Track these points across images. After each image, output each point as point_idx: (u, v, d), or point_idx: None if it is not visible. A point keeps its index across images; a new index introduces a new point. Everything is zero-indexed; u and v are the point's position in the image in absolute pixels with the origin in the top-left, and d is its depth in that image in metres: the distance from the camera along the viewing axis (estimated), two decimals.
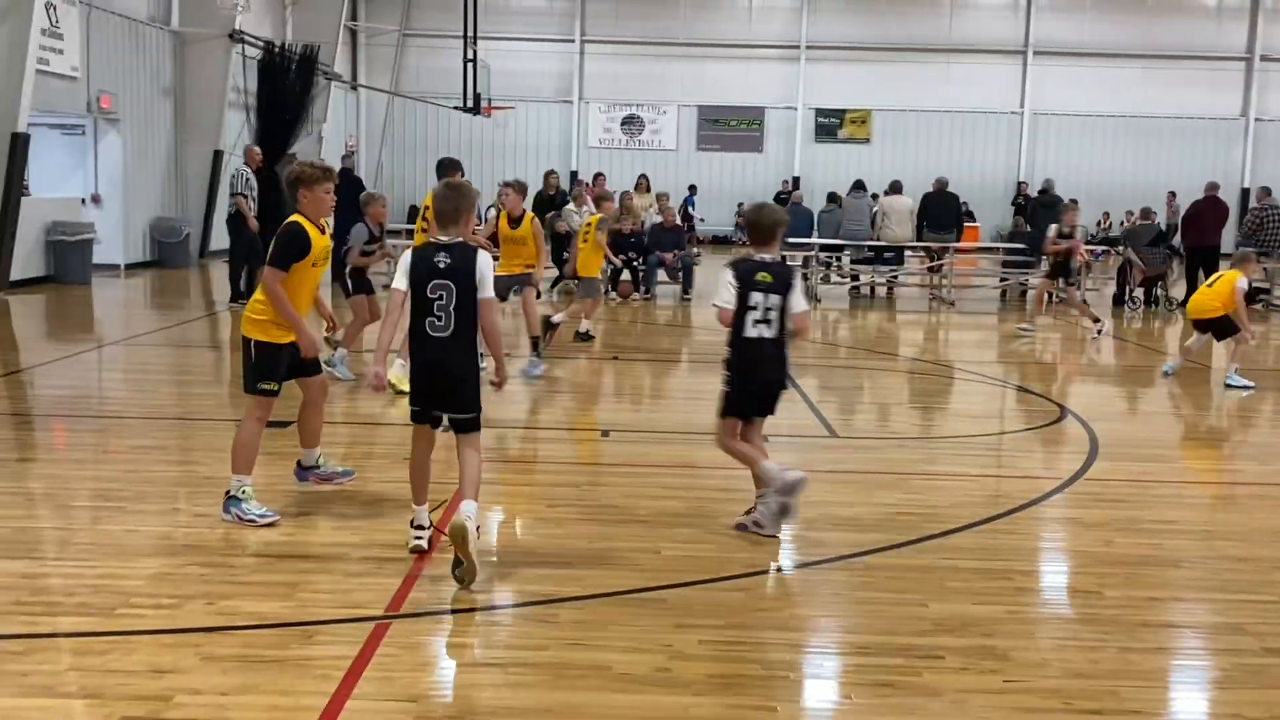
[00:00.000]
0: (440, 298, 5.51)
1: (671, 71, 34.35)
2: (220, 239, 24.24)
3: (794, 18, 34.22)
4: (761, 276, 6.32)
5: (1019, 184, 31.91)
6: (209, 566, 5.67)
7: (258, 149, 16.70)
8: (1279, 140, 34.55)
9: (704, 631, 4.99)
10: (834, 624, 5.28)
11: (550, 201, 21.04)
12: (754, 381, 6.47)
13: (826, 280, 22.13)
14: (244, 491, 6.35)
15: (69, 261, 18.60)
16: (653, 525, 6.62)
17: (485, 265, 5.62)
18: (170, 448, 8.48)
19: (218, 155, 23.57)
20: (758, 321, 6.32)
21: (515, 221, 11.39)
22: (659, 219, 20.15)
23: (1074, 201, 18.50)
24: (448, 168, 10.26)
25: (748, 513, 6.49)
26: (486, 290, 5.60)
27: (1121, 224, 29.64)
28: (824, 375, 12.68)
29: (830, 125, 34.73)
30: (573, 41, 34.63)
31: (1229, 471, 9.11)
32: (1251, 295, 14.52)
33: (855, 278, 21.61)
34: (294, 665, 4.51)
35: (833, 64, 34.17)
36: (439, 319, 5.52)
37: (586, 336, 13.65)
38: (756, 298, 6.30)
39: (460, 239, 5.68)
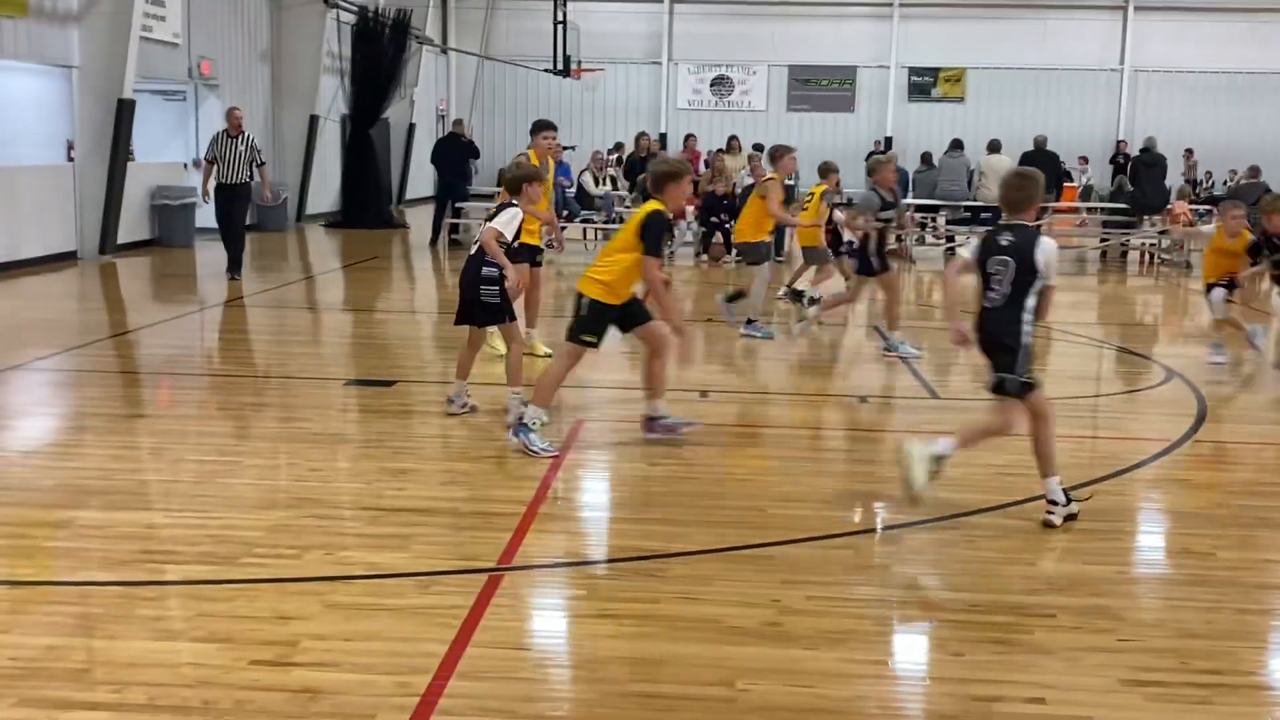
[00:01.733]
0: (997, 272, 5.94)
1: (761, 31, 34.01)
2: (317, 203, 24.70)
3: None
4: (491, 211, 7.95)
5: (1118, 143, 31.10)
6: (325, 519, 5.83)
7: (239, 111, 15.67)
8: None
9: (812, 588, 5.02)
10: (943, 582, 5.28)
11: (642, 164, 21.09)
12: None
13: (921, 241, 21.88)
14: (536, 423, 7.08)
15: (172, 225, 19.04)
16: (755, 484, 6.66)
17: (1048, 249, 5.94)
18: (279, 405, 8.68)
19: (314, 120, 23.92)
20: (474, 241, 7.92)
21: None
22: (751, 180, 20.03)
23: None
24: (538, 128, 10.33)
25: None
26: (1050, 277, 5.94)
27: (1225, 183, 28.85)
28: (921, 337, 12.56)
29: (924, 84, 34.14)
30: (661, 2, 34.46)
31: None
32: None
33: (950, 239, 21.33)
34: (413, 614, 4.63)
35: (926, 21, 33.56)
36: (994, 291, 5.96)
37: (809, 299, 13.08)
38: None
39: (1023, 222, 6.07)
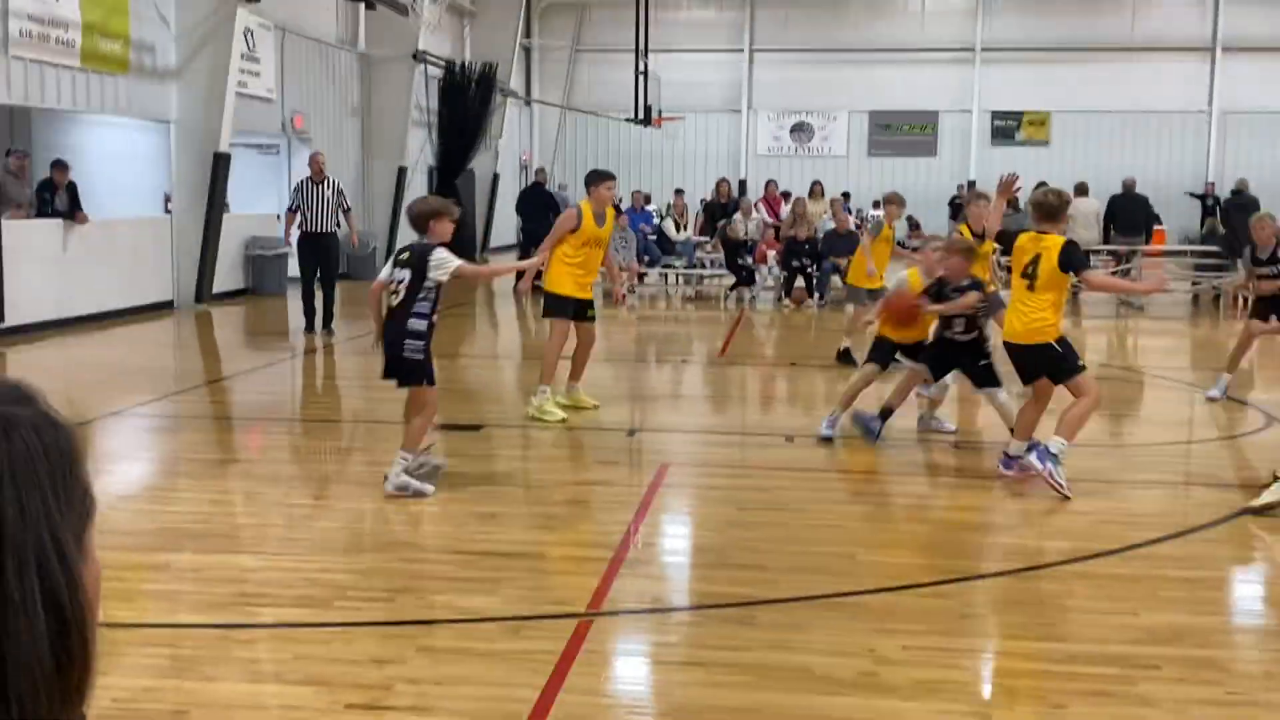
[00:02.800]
0: None
1: (841, 77, 33.93)
2: None
3: (969, 19, 33.43)
4: (402, 255, 7.09)
5: (1207, 184, 30.48)
6: (416, 562, 5.85)
7: (321, 155, 15.09)
8: None
9: (908, 637, 4.90)
10: (1043, 632, 5.12)
11: (722, 209, 21.14)
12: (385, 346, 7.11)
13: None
14: (1064, 453, 7.09)
15: (265, 274, 19.41)
16: (844, 530, 6.56)
17: None
18: (368, 449, 8.74)
19: (402, 171, 24.29)
20: (391, 293, 7.03)
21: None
22: (832, 225, 19.95)
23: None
24: (598, 178, 9.94)
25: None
26: None
27: None
28: (1012, 382, 12.34)
29: (1007, 128, 33.76)
30: (741, 51, 34.59)
31: None
32: None
33: None
34: (504, 658, 4.60)
35: (1009, 65, 33.21)
36: None
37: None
38: (395, 272, 7.02)
39: None
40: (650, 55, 28.36)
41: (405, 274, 6.94)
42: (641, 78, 27.93)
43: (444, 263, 6.89)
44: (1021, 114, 33.72)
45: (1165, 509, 7.12)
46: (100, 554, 1.05)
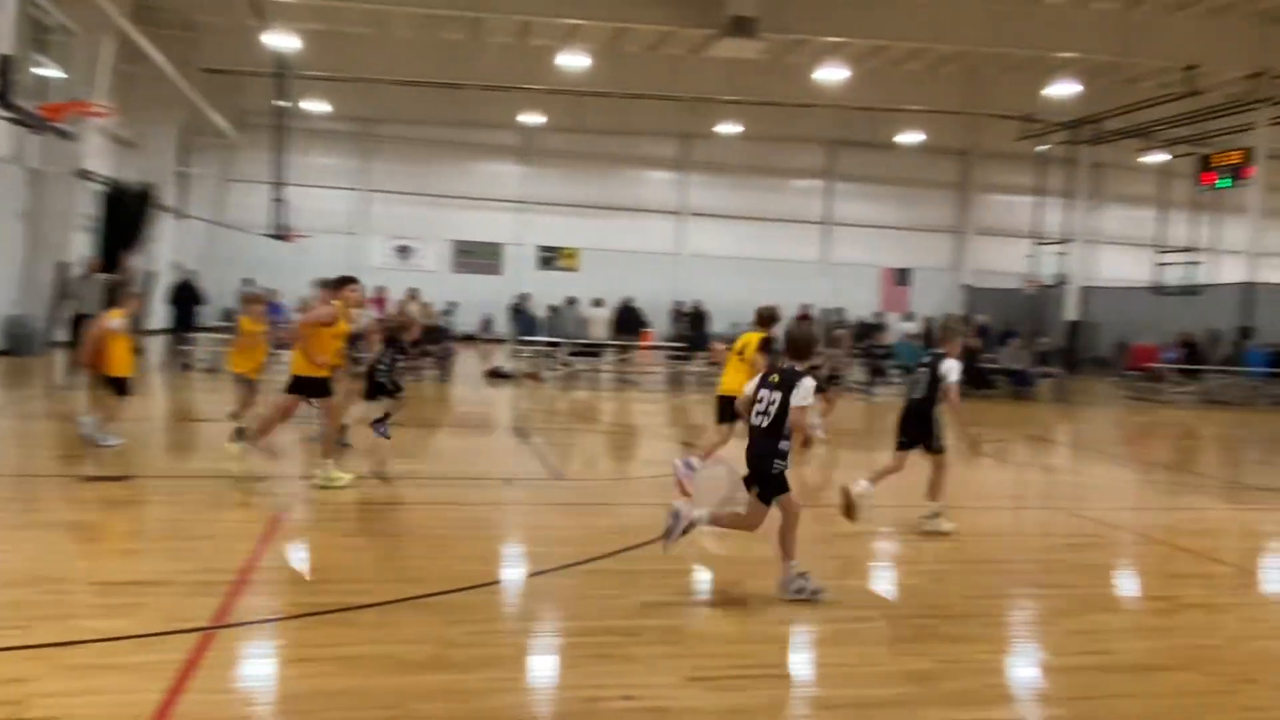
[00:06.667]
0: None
1: (434, 215, 34.09)
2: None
3: (522, 180, 34.77)
4: (772, 378, 5.59)
5: (676, 302, 33.22)
6: (58, 594, 5.02)
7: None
8: (848, 276, 37.41)
9: (471, 625, 4.83)
10: (562, 613, 5.21)
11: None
12: None
13: (550, 368, 22.22)
14: None
15: None
16: (424, 546, 6.38)
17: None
18: (53, 499, 7.48)
19: (61, 265, 21.35)
20: (760, 413, 5.56)
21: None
22: (426, 322, 19.73)
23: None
24: (339, 283, 9.25)
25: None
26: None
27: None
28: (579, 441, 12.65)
29: (550, 257, 35.08)
30: (356, 190, 33.92)
31: None
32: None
33: (568, 365, 21.80)
34: (136, 669, 4.05)
35: (550, 215, 34.81)
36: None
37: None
38: (765, 394, 5.55)
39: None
40: (290, 187, 26.96)
41: (776, 395, 5.47)
42: (275, 203, 26.48)
43: (808, 392, 5.47)
44: (559, 249, 35.27)
45: (649, 525, 7.48)
46: None
